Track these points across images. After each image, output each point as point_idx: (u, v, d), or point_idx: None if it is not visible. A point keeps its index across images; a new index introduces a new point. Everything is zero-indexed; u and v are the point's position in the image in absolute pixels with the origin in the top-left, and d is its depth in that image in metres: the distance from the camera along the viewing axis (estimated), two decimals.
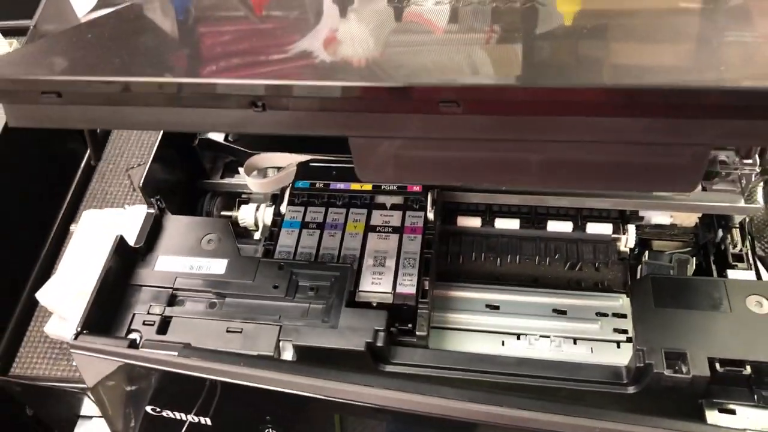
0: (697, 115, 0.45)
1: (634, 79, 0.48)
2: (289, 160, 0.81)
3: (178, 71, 0.57)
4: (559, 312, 0.69)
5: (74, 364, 0.81)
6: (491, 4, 0.61)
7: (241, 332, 0.63)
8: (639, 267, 0.77)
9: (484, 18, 0.60)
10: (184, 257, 0.70)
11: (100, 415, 0.69)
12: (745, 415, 0.58)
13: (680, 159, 0.50)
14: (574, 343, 0.66)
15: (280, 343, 0.62)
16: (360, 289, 0.67)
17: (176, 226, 0.73)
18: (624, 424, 0.50)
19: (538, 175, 0.53)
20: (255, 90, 0.49)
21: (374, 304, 0.66)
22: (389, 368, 0.63)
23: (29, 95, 0.53)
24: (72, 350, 0.60)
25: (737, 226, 0.76)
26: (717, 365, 0.57)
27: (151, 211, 0.73)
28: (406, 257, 0.69)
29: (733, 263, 0.74)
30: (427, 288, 0.66)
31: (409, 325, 0.65)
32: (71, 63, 0.58)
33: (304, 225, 0.74)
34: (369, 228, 0.73)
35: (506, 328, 0.68)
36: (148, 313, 0.65)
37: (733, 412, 0.58)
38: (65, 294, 0.81)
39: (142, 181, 0.74)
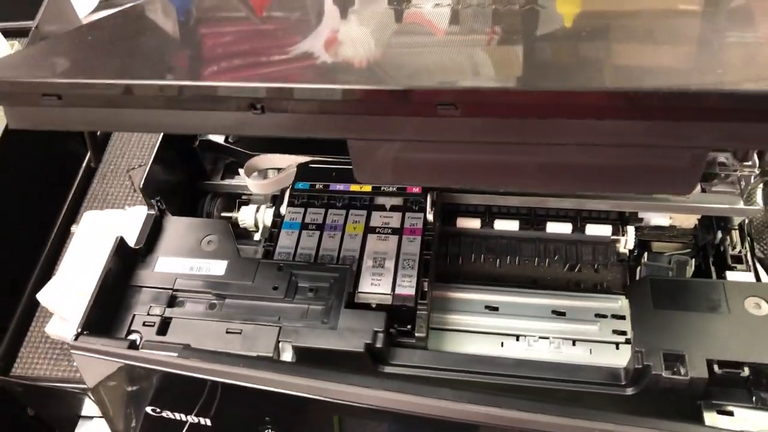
0: (695, 118, 0.45)
1: (633, 82, 0.47)
2: (289, 161, 0.81)
3: (178, 73, 0.57)
4: (558, 313, 0.69)
5: (75, 364, 0.81)
6: (491, 6, 0.61)
7: (240, 333, 0.63)
8: (638, 268, 0.77)
9: (484, 20, 0.60)
10: (184, 258, 0.70)
11: (101, 415, 0.69)
12: (744, 416, 0.58)
13: (678, 162, 0.50)
14: (573, 344, 0.66)
15: (280, 344, 0.62)
16: (359, 290, 0.67)
17: (176, 227, 0.73)
18: (622, 426, 0.50)
19: (536, 177, 0.53)
20: (254, 92, 0.49)
21: (373, 306, 0.66)
22: (388, 369, 0.63)
23: (30, 98, 0.53)
24: (72, 351, 0.60)
25: (736, 227, 0.75)
26: (715, 367, 0.58)
27: (152, 212, 0.73)
28: (405, 258, 0.69)
29: (732, 265, 0.74)
30: (426, 289, 0.66)
31: (408, 327, 0.65)
32: (72, 65, 0.59)
33: (303, 226, 0.74)
34: (368, 229, 0.73)
35: (505, 329, 0.68)
36: (148, 314, 0.66)
37: (731, 413, 0.58)
38: (66, 295, 0.81)
39: (142, 182, 0.74)
